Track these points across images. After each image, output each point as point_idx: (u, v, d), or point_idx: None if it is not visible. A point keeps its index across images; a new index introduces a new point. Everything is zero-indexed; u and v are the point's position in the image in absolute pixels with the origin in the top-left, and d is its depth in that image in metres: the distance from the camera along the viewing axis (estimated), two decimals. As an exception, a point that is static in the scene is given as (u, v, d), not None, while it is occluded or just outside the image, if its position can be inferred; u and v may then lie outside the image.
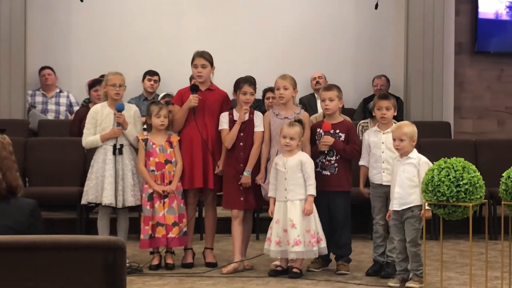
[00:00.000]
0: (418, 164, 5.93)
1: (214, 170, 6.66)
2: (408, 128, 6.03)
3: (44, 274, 3.12)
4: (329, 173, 6.54)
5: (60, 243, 3.19)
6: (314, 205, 6.32)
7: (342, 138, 6.57)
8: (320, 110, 9.12)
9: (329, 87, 6.70)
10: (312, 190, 6.28)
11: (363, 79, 10.30)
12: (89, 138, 6.64)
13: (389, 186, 6.26)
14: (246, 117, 6.61)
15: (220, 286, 6.06)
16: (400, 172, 6.00)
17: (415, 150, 6.05)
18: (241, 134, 6.60)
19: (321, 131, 6.55)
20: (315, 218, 6.32)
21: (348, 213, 6.62)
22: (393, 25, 10.31)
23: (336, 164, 6.54)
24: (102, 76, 8.67)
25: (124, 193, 6.51)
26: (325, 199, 6.51)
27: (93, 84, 9.00)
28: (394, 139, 6.04)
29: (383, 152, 6.43)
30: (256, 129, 6.62)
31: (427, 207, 5.58)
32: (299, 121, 6.39)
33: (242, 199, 6.58)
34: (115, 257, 3.09)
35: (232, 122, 6.62)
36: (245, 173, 6.53)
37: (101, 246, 3.13)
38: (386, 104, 6.48)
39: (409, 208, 5.96)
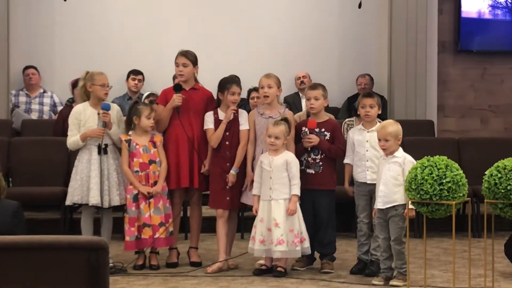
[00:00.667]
0: (403, 163, 5.94)
1: (200, 170, 6.65)
2: (393, 127, 6.04)
3: (27, 274, 3.12)
4: (313, 172, 6.55)
5: (43, 243, 3.18)
6: (298, 205, 6.33)
7: (328, 137, 6.58)
8: (304, 109, 9.15)
9: (315, 86, 6.71)
10: (297, 190, 6.29)
11: (347, 78, 10.32)
12: (71, 139, 6.60)
13: (373, 184, 6.28)
14: (232, 116, 6.61)
15: (204, 285, 6.05)
16: (385, 171, 6.01)
17: (400, 149, 6.07)
18: (227, 133, 6.60)
19: (306, 129, 6.56)
20: (298, 218, 6.32)
21: (332, 212, 6.63)
22: (376, 24, 10.34)
23: (321, 163, 6.55)
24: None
25: (110, 193, 6.48)
26: (309, 197, 6.52)
27: (77, 83, 8.95)
28: (379, 139, 6.05)
29: (367, 150, 6.44)
30: (241, 128, 6.62)
31: (410, 206, 5.59)
32: (285, 120, 6.39)
33: (228, 198, 6.58)
34: (98, 257, 3.09)
35: (217, 121, 6.62)
36: (232, 172, 6.53)
37: (83, 246, 3.13)
38: (370, 102, 6.49)
39: (393, 206, 5.98)
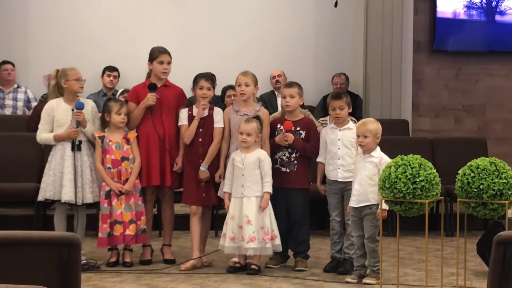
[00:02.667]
0: (380, 163, 5.95)
1: (171, 167, 6.64)
2: (373, 125, 6.06)
3: (-3, 270, 3.09)
4: (288, 170, 6.56)
5: (14, 239, 3.16)
6: (270, 203, 6.34)
7: (303, 135, 6.58)
8: (280, 108, 9.16)
9: (290, 84, 6.72)
10: (268, 188, 6.30)
11: (322, 77, 10.35)
12: (43, 134, 6.55)
13: (344, 182, 6.33)
14: (206, 112, 6.60)
15: (178, 282, 6.04)
16: (361, 169, 6.03)
17: (378, 149, 6.08)
18: (200, 130, 6.59)
19: (282, 127, 6.56)
20: (270, 215, 6.33)
21: (306, 210, 6.64)
22: (352, 24, 10.37)
23: (295, 162, 6.56)
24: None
25: (83, 190, 6.45)
26: (283, 195, 6.52)
27: None
28: (358, 135, 6.07)
29: (339, 148, 6.46)
30: (215, 125, 6.61)
31: (384, 206, 5.61)
32: (257, 117, 6.40)
33: (203, 195, 6.56)
34: (70, 253, 3.08)
35: (191, 118, 6.61)
36: (201, 168, 6.52)
37: (55, 242, 3.11)
38: (339, 104, 6.49)
39: (368, 205, 6.01)
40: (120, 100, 6.85)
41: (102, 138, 6.55)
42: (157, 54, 6.72)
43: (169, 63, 6.73)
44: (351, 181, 6.25)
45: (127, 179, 6.54)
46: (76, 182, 6.40)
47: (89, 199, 6.48)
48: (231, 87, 8.58)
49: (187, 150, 6.63)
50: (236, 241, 6.29)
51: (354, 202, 6.07)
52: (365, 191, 6.00)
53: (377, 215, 5.83)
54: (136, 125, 6.72)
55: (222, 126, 6.61)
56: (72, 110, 6.46)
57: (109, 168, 6.53)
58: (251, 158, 6.32)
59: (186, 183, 6.64)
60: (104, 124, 6.65)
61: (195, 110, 6.62)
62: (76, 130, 6.42)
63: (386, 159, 5.96)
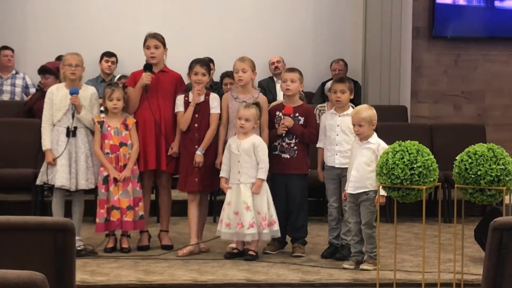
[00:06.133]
0: (377, 149, 5.95)
1: (167, 152, 6.63)
2: (367, 112, 6.04)
3: (-8, 256, 3.09)
4: (288, 156, 6.56)
5: (9, 224, 3.16)
6: (267, 188, 6.34)
7: (301, 121, 6.58)
8: (279, 97, 9.15)
9: (292, 69, 6.71)
10: (262, 174, 6.29)
11: (321, 63, 10.33)
12: (45, 135, 6.50)
13: (342, 168, 6.33)
14: (202, 98, 6.59)
15: (175, 268, 6.04)
16: (358, 156, 6.02)
17: (375, 135, 6.07)
18: (196, 115, 6.57)
19: (281, 114, 6.55)
20: (268, 201, 6.33)
21: (305, 196, 6.64)
22: (351, 10, 10.34)
23: (295, 147, 6.55)
24: (59, 57, 8.59)
25: (77, 176, 6.44)
26: (282, 181, 6.53)
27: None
28: (353, 125, 6.05)
29: (337, 134, 6.45)
30: (212, 111, 6.60)
31: (382, 193, 5.61)
32: (256, 104, 6.39)
33: (196, 180, 6.55)
34: (64, 238, 3.08)
35: (187, 104, 6.59)
36: (197, 152, 6.51)
37: (50, 228, 3.11)
38: (341, 88, 6.48)
39: (365, 191, 6.00)
40: (116, 84, 6.85)
41: (101, 123, 6.56)
42: (145, 39, 6.72)
43: (156, 47, 6.68)
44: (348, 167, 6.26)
45: (125, 165, 6.54)
46: (70, 168, 6.40)
47: (82, 185, 6.47)
48: (228, 75, 8.57)
49: (183, 136, 6.62)
50: (231, 227, 6.29)
51: (351, 188, 6.06)
52: (363, 177, 6.00)
53: (375, 201, 5.83)
54: (135, 108, 6.70)
55: (219, 112, 6.60)
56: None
57: (107, 153, 6.53)
58: (246, 144, 6.31)
59: (182, 169, 6.63)
60: (106, 111, 6.67)
61: (191, 96, 6.61)
62: (52, 162, 6.39)
63: (383, 145, 5.95)
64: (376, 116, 6.08)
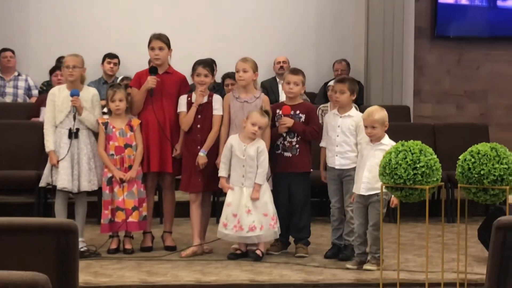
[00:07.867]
0: (391, 151, 5.93)
1: (172, 154, 6.63)
2: (379, 114, 6.00)
3: (-5, 257, 3.09)
4: (290, 155, 6.55)
5: (13, 225, 3.16)
6: (268, 187, 6.37)
7: (303, 119, 6.58)
8: (281, 98, 9.14)
9: (296, 71, 6.70)
10: (260, 179, 6.30)
11: (324, 63, 10.33)
12: (48, 136, 6.50)
13: (341, 170, 6.33)
14: (205, 99, 6.59)
15: (178, 269, 6.04)
16: (371, 157, 5.98)
17: (387, 136, 6.05)
18: (199, 116, 6.58)
19: (281, 112, 6.56)
20: (271, 201, 6.34)
21: (308, 195, 6.64)
22: (354, 10, 10.33)
23: (297, 146, 6.55)
24: (60, 58, 8.60)
25: (79, 178, 6.44)
26: (286, 180, 6.53)
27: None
28: (366, 127, 6.02)
29: (338, 135, 6.44)
30: (214, 113, 6.59)
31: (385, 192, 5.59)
32: (267, 112, 6.40)
33: (199, 180, 6.55)
34: (68, 240, 3.08)
35: (190, 104, 6.59)
36: (200, 153, 6.51)
37: (53, 229, 3.11)
38: (340, 88, 6.47)
39: (376, 193, 5.96)
40: (118, 85, 6.86)
41: (105, 125, 6.56)
42: (149, 40, 6.72)
43: (160, 48, 6.68)
44: (347, 169, 6.29)
45: (129, 166, 6.54)
46: (72, 170, 6.40)
47: (85, 187, 6.47)
48: (229, 76, 8.57)
49: (186, 137, 6.62)
50: (227, 228, 6.29)
51: (363, 190, 6.02)
52: (375, 178, 5.94)
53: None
54: (139, 110, 6.70)
55: (221, 113, 6.60)
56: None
57: (112, 154, 6.53)
58: (251, 149, 6.31)
59: (185, 170, 6.63)
60: (110, 112, 6.69)
61: (194, 97, 6.61)
62: (55, 164, 6.40)
63: (396, 147, 5.93)
64: (387, 117, 6.05)
